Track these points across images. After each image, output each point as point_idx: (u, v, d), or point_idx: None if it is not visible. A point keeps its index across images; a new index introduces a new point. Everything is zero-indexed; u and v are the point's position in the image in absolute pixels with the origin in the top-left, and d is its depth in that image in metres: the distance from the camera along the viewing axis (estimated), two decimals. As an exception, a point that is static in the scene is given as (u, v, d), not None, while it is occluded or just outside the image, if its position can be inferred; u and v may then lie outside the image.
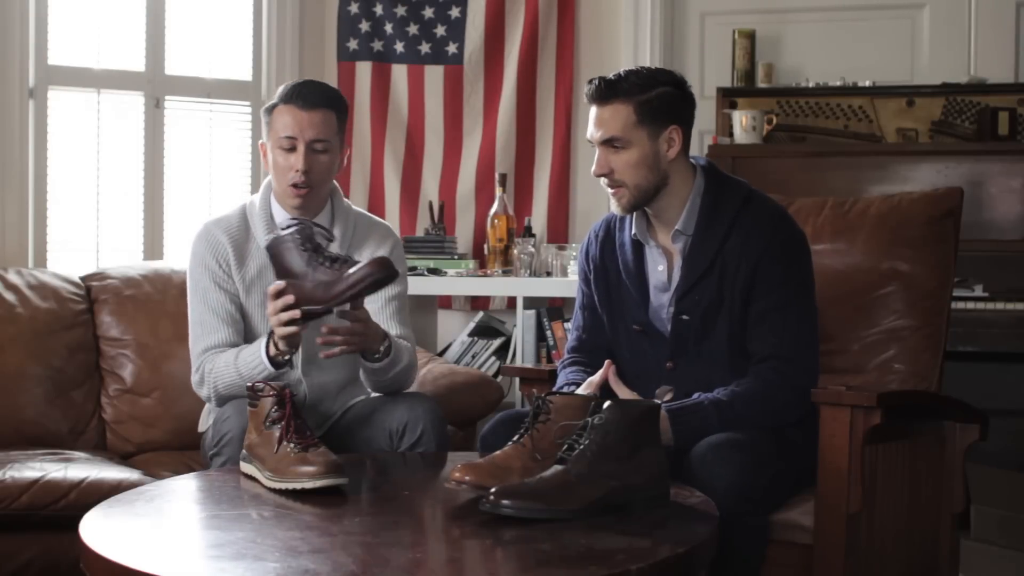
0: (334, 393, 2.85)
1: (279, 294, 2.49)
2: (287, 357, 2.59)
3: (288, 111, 2.71)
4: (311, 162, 2.70)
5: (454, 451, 2.88)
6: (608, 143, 2.49)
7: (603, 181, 2.53)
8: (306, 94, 2.71)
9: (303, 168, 2.69)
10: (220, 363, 2.69)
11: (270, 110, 2.75)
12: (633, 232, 2.60)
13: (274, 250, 2.52)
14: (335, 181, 2.87)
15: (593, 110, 2.51)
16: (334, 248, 2.77)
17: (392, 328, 2.78)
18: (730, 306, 2.50)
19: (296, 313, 2.48)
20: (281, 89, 2.76)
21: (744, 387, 2.45)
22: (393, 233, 2.93)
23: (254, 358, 2.61)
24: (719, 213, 2.53)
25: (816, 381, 2.49)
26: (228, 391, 2.68)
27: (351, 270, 2.43)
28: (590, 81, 2.52)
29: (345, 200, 2.89)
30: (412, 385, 2.86)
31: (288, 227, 2.53)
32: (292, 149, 2.70)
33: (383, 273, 2.42)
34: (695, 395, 2.45)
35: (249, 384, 2.37)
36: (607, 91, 2.48)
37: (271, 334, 2.57)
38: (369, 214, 2.97)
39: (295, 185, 2.71)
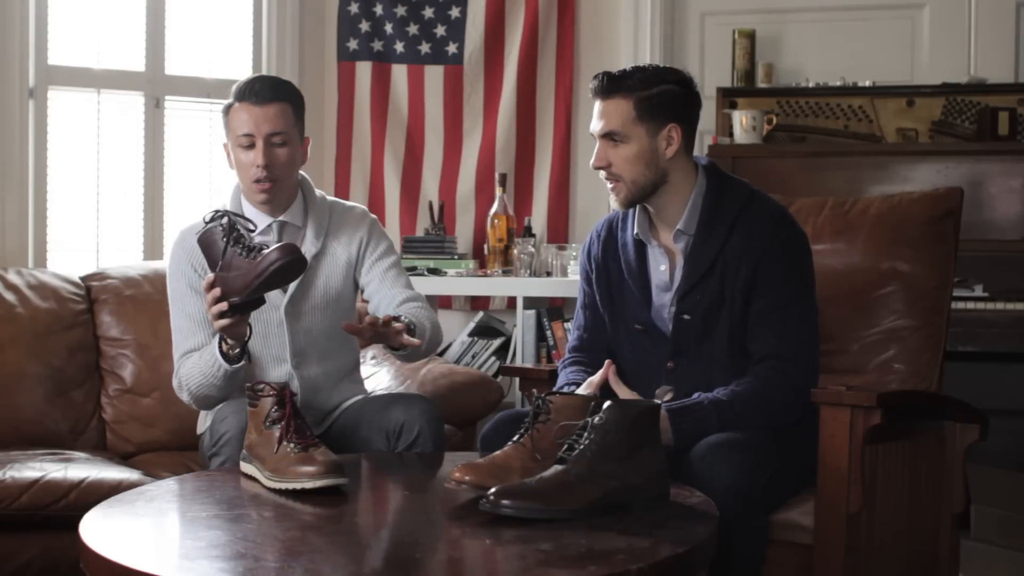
0: (327, 387, 2.85)
1: (211, 287, 2.50)
2: (237, 350, 2.60)
3: (243, 109, 2.72)
4: (270, 156, 2.71)
5: (454, 451, 2.88)
6: (607, 136, 2.50)
7: (601, 174, 2.54)
8: (258, 90, 2.73)
9: (263, 163, 2.71)
10: (188, 365, 2.72)
11: (227, 110, 2.76)
12: (635, 232, 2.60)
13: (203, 243, 2.54)
14: (304, 172, 2.88)
15: (597, 104, 2.52)
16: (309, 242, 2.79)
17: (400, 293, 2.81)
18: (731, 306, 2.50)
19: (223, 306, 2.48)
20: (235, 87, 2.77)
21: (744, 387, 2.44)
22: (368, 214, 2.94)
23: (210, 356, 2.63)
24: (721, 213, 2.53)
25: (816, 381, 2.49)
26: (200, 391, 2.69)
27: (259, 257, 2.44)
28: (596, 76, 2.52)
29: (317, 191, 2.90)
30: (443, 341, 2.85)
31: (212, 219, 2.54)
32: (251, 146, 2.72)
33: (290, 257, 2.41)
34: (695, 395, 2.45)
35: (248, 384, 2.37)
36: (610, 86, 2.49)
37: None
38: (342, 200, 2.98)
39: (257, 180, 2.72)
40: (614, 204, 2.56)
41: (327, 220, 2.86)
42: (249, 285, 2.43)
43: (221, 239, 2.49)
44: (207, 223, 2.53)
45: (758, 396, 2.43)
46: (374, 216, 2.96)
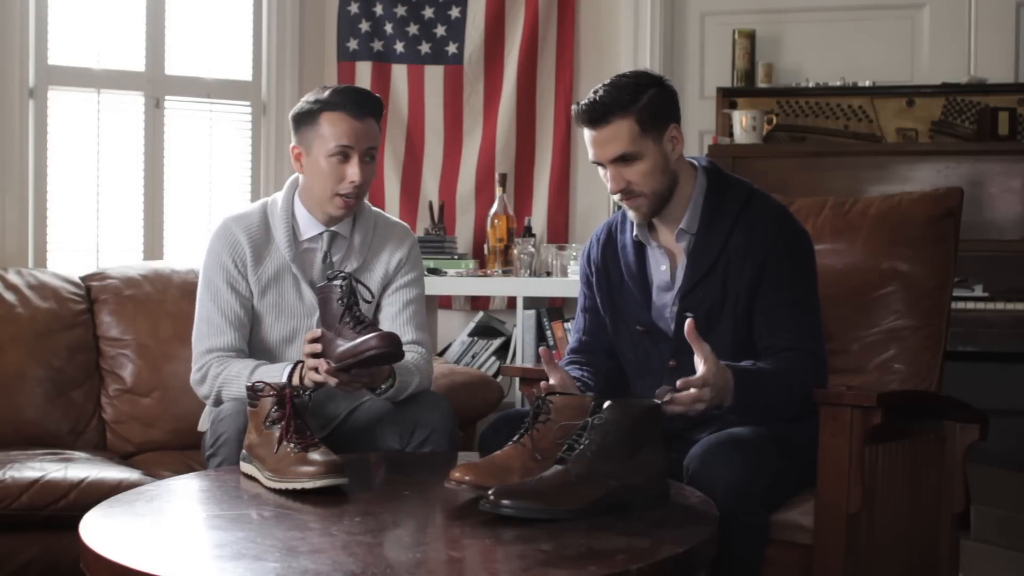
0: (339, 395, 2.84)
1: (315, 340, 2.51)
2: (308, 391, 2.53)
3: (341, 119, 2.66)
4: (365, 172, 2.68)
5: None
6: (619, 160, 2.47)
7: (617, 196, 2.53)
8: (360, 102, 2.68)
9: (360, 180, 2.67)
10: (232, 372, 2.69)
11: (316, 114, 2.68)
12: (635, 234, 2.60)
13: (321, 295, 2.53)
14: None
15: (589, 133, 2.47)
16: (353, 255, 2.79)
17: (408, 333, 2.78)
18: (734, 303, 2.50)
19: (322, 364, 2.48)
20: (326, 94, 2.69)
21: (775, 365, 2.43)
22: (410, 234, 2.92)
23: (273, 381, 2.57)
24: (723, 210, 2.53)
25: (827, 376, 2.50)
26: (230, 397, 2.68)
27: (361, 338, 2.42)
28: (576, 103, 2.49)
29: (365, 202, 2.86)
30: (430, 386, 2.84)
31: (334, 276, 2.51)
32: (346, 158, 2.67)
33: (387, 349, 2.41)
34: (744, 362, 2.41)
35: (248, 384, 2.37)
36: (601, 111, 2.44)
37: (298, 364, 2.59)
38: (387, 215, 2.95)
39: (346, 195, 2.68)
40: (634, 218, 2.55)
41: (371, 233, 2.84)
42: (342, 358, 2.44)
43: (337, 301, 2.48)
44: (329, 278, 2.51)
45: (797, 375, 2.41)
46: (416, 237, 2.94)
